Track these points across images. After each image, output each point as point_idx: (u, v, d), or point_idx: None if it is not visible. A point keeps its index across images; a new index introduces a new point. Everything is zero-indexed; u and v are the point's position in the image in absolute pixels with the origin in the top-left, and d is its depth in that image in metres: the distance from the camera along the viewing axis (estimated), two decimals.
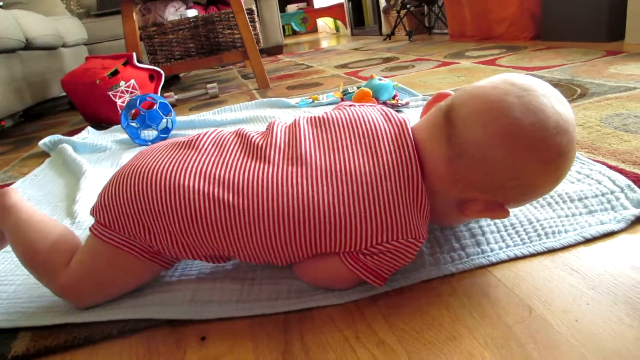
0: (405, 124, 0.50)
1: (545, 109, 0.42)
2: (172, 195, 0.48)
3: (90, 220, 0.78)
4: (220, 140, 0.53)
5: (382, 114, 0.52)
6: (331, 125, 0.52)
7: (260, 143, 0.51)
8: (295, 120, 0.54)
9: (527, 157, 0.42)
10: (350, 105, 0.55)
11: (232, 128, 1.16)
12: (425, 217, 0.48)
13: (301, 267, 0.51)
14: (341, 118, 0.52)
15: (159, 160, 0.51)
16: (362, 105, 0.55)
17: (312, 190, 0.46)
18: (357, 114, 0.52)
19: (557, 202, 0.60)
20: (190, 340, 0.47)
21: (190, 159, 0.50)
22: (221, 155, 0.50)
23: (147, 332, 0.49)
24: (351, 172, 0.46)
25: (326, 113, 0.54)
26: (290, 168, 0.47)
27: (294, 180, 0.47)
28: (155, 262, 0.52)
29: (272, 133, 0.52)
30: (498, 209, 0.46)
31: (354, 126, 0.51)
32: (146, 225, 0.50)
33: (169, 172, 0.49)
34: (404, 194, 0.46)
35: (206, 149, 0.51)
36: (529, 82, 0.44)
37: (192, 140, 0.53)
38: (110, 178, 0.54)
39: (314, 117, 0.54)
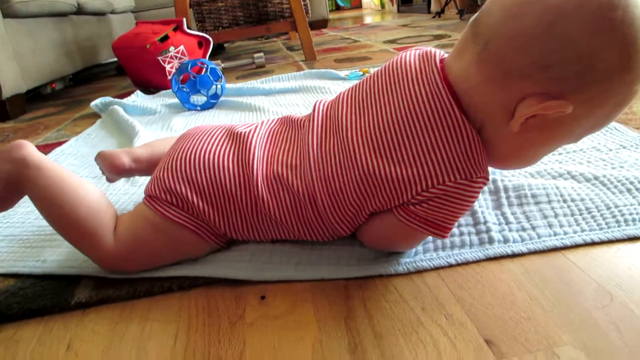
0: (434, 53, 0.46)
1: None
2: (244, 179, 0.50)
3: (146, 177, 0.79)
4: (273, 130, 0.55)
5: (419, 53, 0.48)
6: (370, 81, 0.49)
7: (304, 123, 0.52)
8: (339, 93, 0.53)
9: (561, 14, 0.35)
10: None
11: (281, 97, 1.14)
12: (474, 150, 0.42)
13: (362, 230, 0.50)
14: (380, 72, 0.49)
15: (224, 145, 0.53)
16: (407, 50, 0.51)
17: (352, 153, 0.45)
18: (394, 60, 0.49)
19: (637, 189, 0.56)
20: (250, 298, 0.47)
21: (254, 144, 0.52)
22: (278, 143, 0.52)
23: (206, 289, 0.49)
24: (384, 125, 0.44)
25: (370, 74, 0.51)
26: (331, 138, 0.48)
27: (334, 149, 0.47)
28: (217, 243, 0.53)
29: (315, 110, 0.52)
30: (553, 101, 0.37)
31: (388, 72, 0.48)
32: (219, 208, 0.50)
33: (238, 156, 0.51)
34: (440, 132, 0.42)
35: (263, 135, 0.53)
36: None
37: (250, 130, 0.54)
38: (170, 158, 0.53)
39: (357, 83, 0.52)
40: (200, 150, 0.52)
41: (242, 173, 0.50)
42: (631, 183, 0.56)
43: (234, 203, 0.50)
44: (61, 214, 0.50)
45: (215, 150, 0.52)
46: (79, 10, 2.20)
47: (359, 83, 0.51)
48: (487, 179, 0.44)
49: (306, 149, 0.49)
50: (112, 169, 0.62)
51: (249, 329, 0.42)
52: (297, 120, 0.54)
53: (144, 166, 0.64)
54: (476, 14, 0.42)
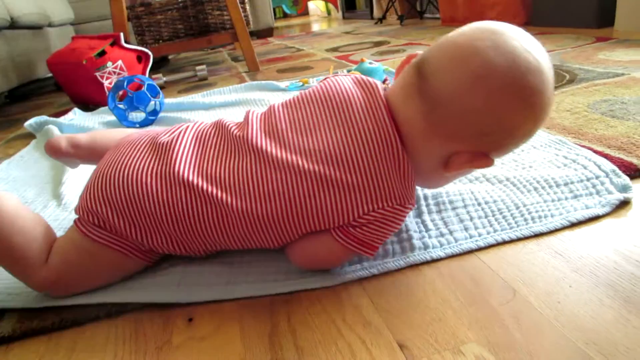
0: (376, 86, 0.50)
1: (515, 49, 0.42)
2: (165, 195, 0.49)
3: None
4: (201, 135, 0.53)
5: (353, 81, 0.52)
6: (305, 103, 0.52)
7: (239, 134, 0.51)
8: (270, 106, 0.54)
9: (501, 98, 0.42)
10: (325, 79, 0.55)
11: (222, 111, 1.14)
12: (409, 181, 0.47)
13: (294, 249, 0.51)
14: (314, 93, 0.52)
15: (145, 158, 0.51)
16: (337, 75, 0.54)
17: (293, 175, 0.47)
18: (329, 86, 0.52)
19: (543, 187, 0.60)
20: (178, 321, 0.47)
21: (178, 156, 0.50)
22: (205, 151, 0.51)
23: (134, 314, 0.49)
24: (328, 150, 0.47)
25: (301, 92, 0.54)
26: (270, 156, 0.48)
27: (274, 169, 0.47)
28: (144, 260, 0.53)
29: (249, 123, 0.52)
30: (482, 158, 0.45)
31: (327, 98, 0.51)
32: (139, 226, 0.50)
33: (159, 170, 0.50)
34: (383, 160, 0.46)
35: (189, 144, 0.52)
36: (498, 26, 0.44)
37: (173, 138, 0.53)
38: (94, 175, 0.53)
39: (289, 100, 0.54)
40: (121, 167, 0.51)
41: (164, 189, 0.49)
42: (537, 182, 0.61)
43: (154, 220, 0.49)
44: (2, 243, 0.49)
45: (136, 166, 0.51)
46: (13, 25, 2.11)
47: (293, 102, 0.53)
48: (414, 205, 0.50)
49: (246, 166, 0.48)
50: (49, 150, 0.66)
51: (175, 352, 0.43)
52: (229, 127, 0.53)
53: (84, 153, 0.67)
54: (420, 61, 0.46)
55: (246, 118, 0.53)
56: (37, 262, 0.50)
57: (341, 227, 0.48)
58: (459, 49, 0.44)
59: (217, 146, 0.52)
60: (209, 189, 0.48)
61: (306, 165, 0.47)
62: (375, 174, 0.46)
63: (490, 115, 0.43)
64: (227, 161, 0.49)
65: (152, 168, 0.50)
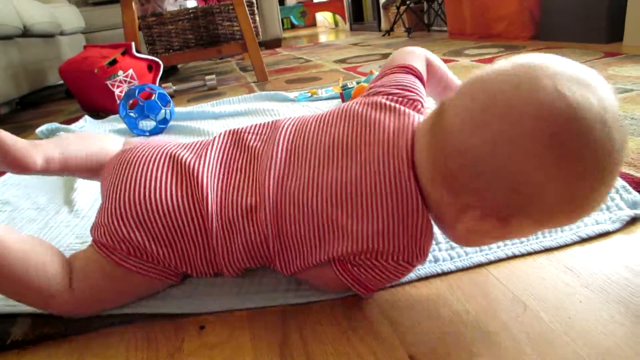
0: (407, 122, 0.45)
1: (546, 87, 0.33)
2: (200, 223, 0.49)
3: (89, 208, 0.79)
4: (225, 158, 0.52)
5: (394, 111, 0.47)
6: (343, 127, 0.48)
7: (261, 152, 0.51)
8: (303, 119, 0.52)
9: (500, 132, 0.33)
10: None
11: (231, 120, 1.14)
12: (426, 240, 0.43)
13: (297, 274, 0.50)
14: (354, 117, 0.49)
15: (170, 180, 0.50)
16: (380, 95, 0.50)
17: (299, 211, 0.46)
18: (369, 114, 0.48)
19: None
20: (189, 329, 0.47)
21: (204, 184, 0.49)
22: (230, 177, 0.51)
23: (146, 321, 0.49)
24: (347, 190, 0.44)
25: (344, 109, 0.50)
26: (291, 183, 0.47)
27: (293, 198, 0.46)
28: (174, 281, 0.53)
29: (278, 140, 0.50)
30: (491, 222, 0.37)
31: (362, 130, 0.47)
32: (177, 252, 0.49)
33: (189, 198, 0.49)
34: (396, 216, 0.42)
35: (213, 169, 0.51)
36: (538, 59, 0.35)
37: (196, 159, 0.52)
38: (117, 196, 0.49)
39: (328, 117, 0.51)
40: (149, 189, 0.49)
41: (197, 215, 0.49)
42: None
43: (193, 245, 0.49)
44: (10, 279, 0.46)
45: (165, 189, 0.49)
46: (25, 33, 2.15)
47: (330, 117, 0.50)
48: (425, 259, 0.45)
49: (263, 190, 0.48)
50: (18, 168, 0.52)
51: None
52: (252, 146, 0.52)
53: (56, 168, 0.55)
54: (447, 97, 0.40)
55: (278, 136, 0.51)
56: (58, 290, 0.47)
57: (340, 261, 0.46)
58: (479, 80, 0.38)
59: (243, 168, 0.51)
60: (238, 220, 0.48)
61: (314, 203, 0.45)
62: (384, 225, 0.42)
63: (490, 156, 0.34)
64: (252, 186, 0.49)
65: (183, 192, 0.49)
